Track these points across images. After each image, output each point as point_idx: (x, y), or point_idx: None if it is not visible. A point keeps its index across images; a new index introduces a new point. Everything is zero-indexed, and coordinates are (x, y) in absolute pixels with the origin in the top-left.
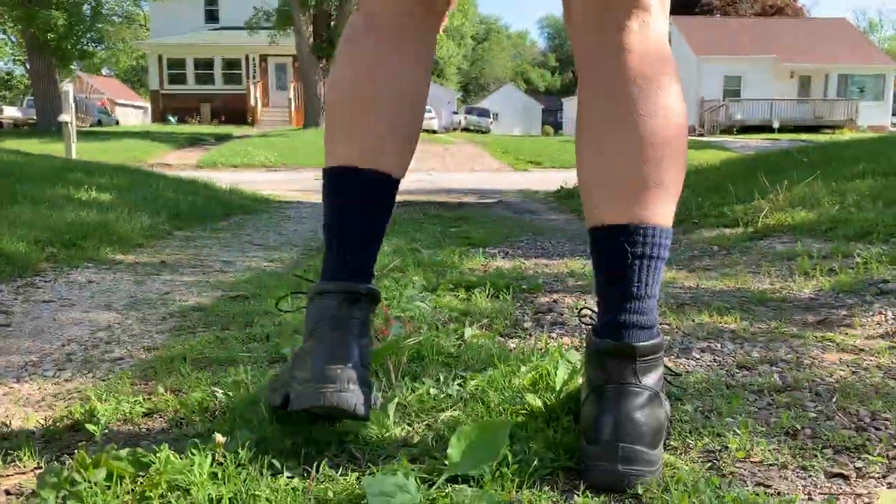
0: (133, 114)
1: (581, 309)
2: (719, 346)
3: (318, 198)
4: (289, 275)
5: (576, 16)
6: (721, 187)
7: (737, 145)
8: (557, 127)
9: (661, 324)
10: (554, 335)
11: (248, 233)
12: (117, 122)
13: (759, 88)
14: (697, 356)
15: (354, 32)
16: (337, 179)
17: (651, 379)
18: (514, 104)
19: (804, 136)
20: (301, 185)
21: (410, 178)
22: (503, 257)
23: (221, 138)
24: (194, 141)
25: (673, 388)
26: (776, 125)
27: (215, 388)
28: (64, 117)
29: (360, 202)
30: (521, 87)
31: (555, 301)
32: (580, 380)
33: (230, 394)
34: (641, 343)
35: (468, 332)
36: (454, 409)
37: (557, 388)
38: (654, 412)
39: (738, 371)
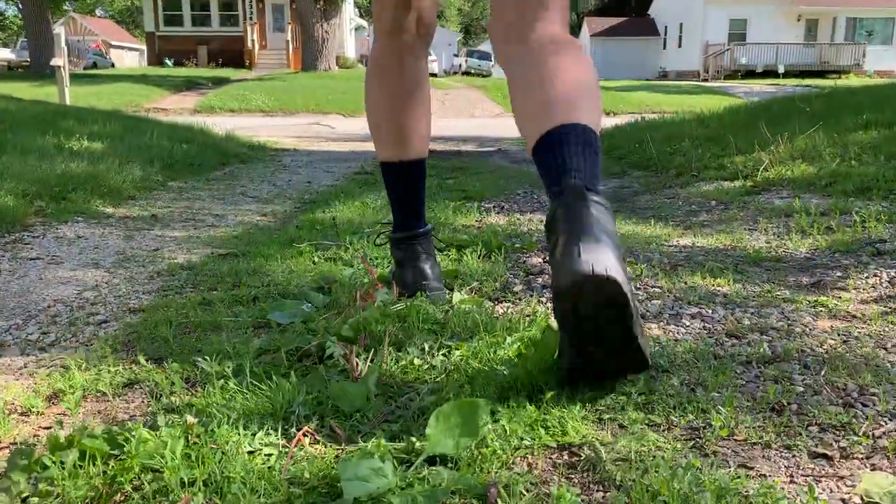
0: (129, 56)
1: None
2: (710, 311)
3: (314, 145)
4: (282, 231)
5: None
6: (722, 138)
7: (740, 90)
8: None
9: (652, 287)
10: (543, 299)
11: (242, 183)
12: (113, 65)
13: (765, 32)
14: (687, 323)
15: (377, 59)
16: (388, 168)
17: (606, 216)
18: None
19: (808, 82)
20: (297, 130)
21: None
22: (498, 212)
23: (218, 82)
24: (191, 85)
25: (660, 360)
26: (781, 70)
27: (197, 358)
28: (56, 61)
29: (405, 181)
30: None
31: (547, 261)
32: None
33: (212, 364)
34: (591, 188)
35: (456, 296)
36: (437, 382)
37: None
38: (609, 220)
39: (727, 340)
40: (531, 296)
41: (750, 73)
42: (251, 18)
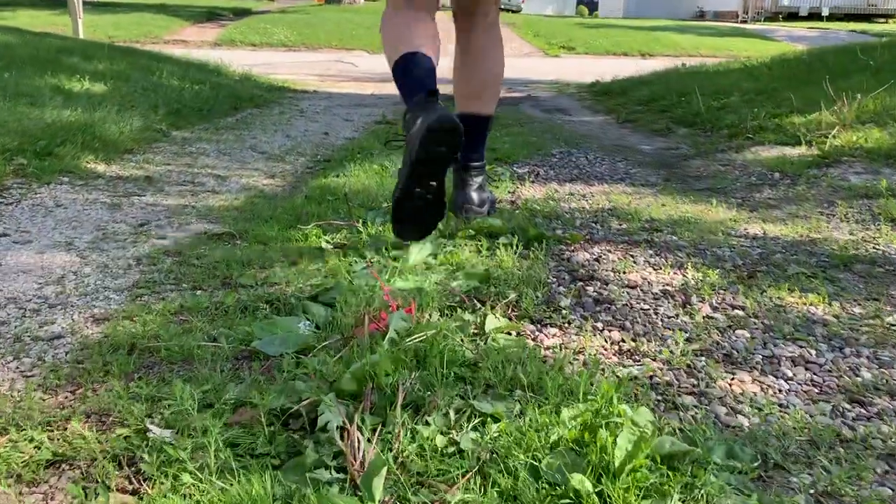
0: None
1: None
2: (813, 353)
3: (335, 86)
4: (287, 204)
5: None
6: (774, 92)
7: (781, 34)
8: (592, 7)
9: (733, 308)
10: (599, 325)
11: (253, 134)
12: None
13: None
14: (789, 373)
15: (387, 19)
16: (397, 68)
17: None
18: None
19: (854, 26)
20: (319, 68)
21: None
22: (533, 180)
23: (240, 13)
24: (211, 15)
25: (769, 447)
26: (825, 13)
27: (151, 426)
28: None
29: (413, 73)
30: None
31: (597, 260)
32: (651, 447)
33: (165, 439)
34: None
35: (490, 322)
36: (466, 487)
37: (617, 465)
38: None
39: (848, 407)
40: (583, 318)
41: (792, 16)
42: None
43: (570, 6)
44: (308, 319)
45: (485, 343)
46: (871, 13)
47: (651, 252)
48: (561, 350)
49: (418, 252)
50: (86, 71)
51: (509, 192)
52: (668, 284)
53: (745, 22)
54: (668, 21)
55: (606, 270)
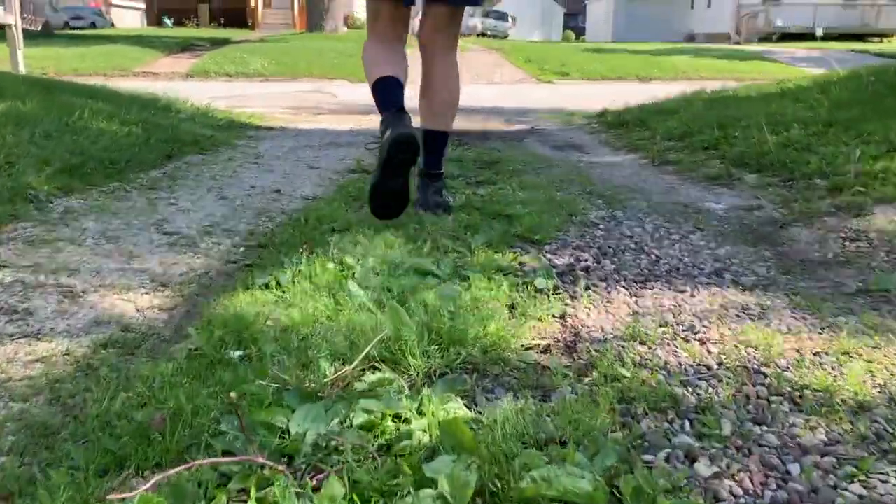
0: (130, 16)
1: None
2: None
3: (308, 120)
4: (146, 371)
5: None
6: (851, 124)
7: (783, 56)
8: (580, 32)
9: None
10: None
11: (174, 197)
12: (112, 25)
13: None
14: None
15: (367, 47)
16: (375, 86)
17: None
18: (533, 7)
19: (852, 45)
20: (295, 99)
21: None
22: (587, 284)
23: (218, 43)
24: (187, 46)
25: None
26: (819, 33)
27: None
28: (6, 19)
29: (387, 88)
30: None
31: None
32: None
33: None
34: (436, 171)
35: None
36: None
37: None
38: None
39: None
40: None
41: (785, 36)
42: None
43: (557, 32)
44: None
45: None
46: (866, 32)
47: None
48: None
49: None
50: None
51: (556, 317)
52: None
53: (738, 44)
54: (659, 44)
55: None
